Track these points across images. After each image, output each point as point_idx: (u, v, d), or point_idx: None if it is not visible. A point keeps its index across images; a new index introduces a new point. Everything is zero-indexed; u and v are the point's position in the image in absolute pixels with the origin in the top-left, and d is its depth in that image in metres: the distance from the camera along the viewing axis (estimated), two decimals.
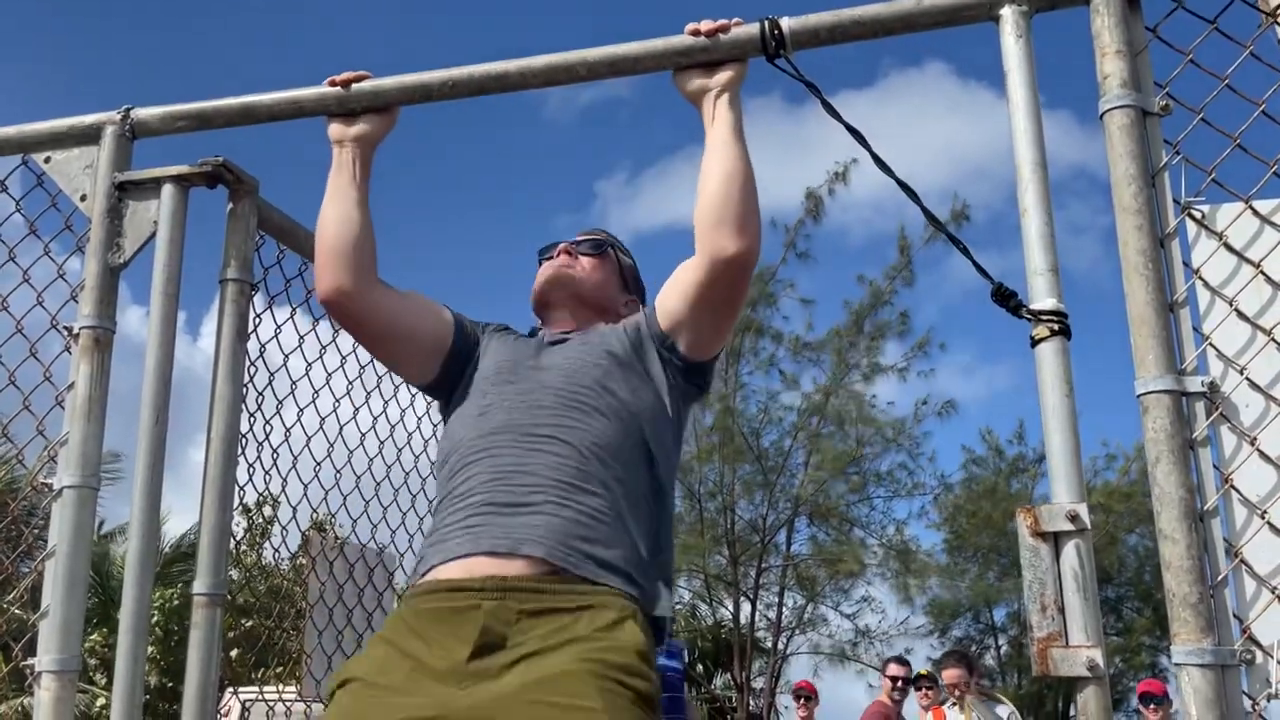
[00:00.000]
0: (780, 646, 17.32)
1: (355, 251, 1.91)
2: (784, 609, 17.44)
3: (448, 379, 1.94)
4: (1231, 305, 1.60)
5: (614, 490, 1.71)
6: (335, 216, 1.94)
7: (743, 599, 17.05)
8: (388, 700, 1.53)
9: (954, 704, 6.42)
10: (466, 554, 1.65)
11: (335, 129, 2.03)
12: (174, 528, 16.29)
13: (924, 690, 7.44)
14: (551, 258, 2.02)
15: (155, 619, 13.66)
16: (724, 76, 1.90)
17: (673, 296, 1.86)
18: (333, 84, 2.05)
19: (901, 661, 6.94)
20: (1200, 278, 1.62)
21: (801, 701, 7.61)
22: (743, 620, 16.98)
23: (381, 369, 2.84)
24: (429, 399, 2.02)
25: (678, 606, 17.54)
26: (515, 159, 30.41)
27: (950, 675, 6.41)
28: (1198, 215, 1.64)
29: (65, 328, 2.20)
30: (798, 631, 17.75)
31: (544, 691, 1.48)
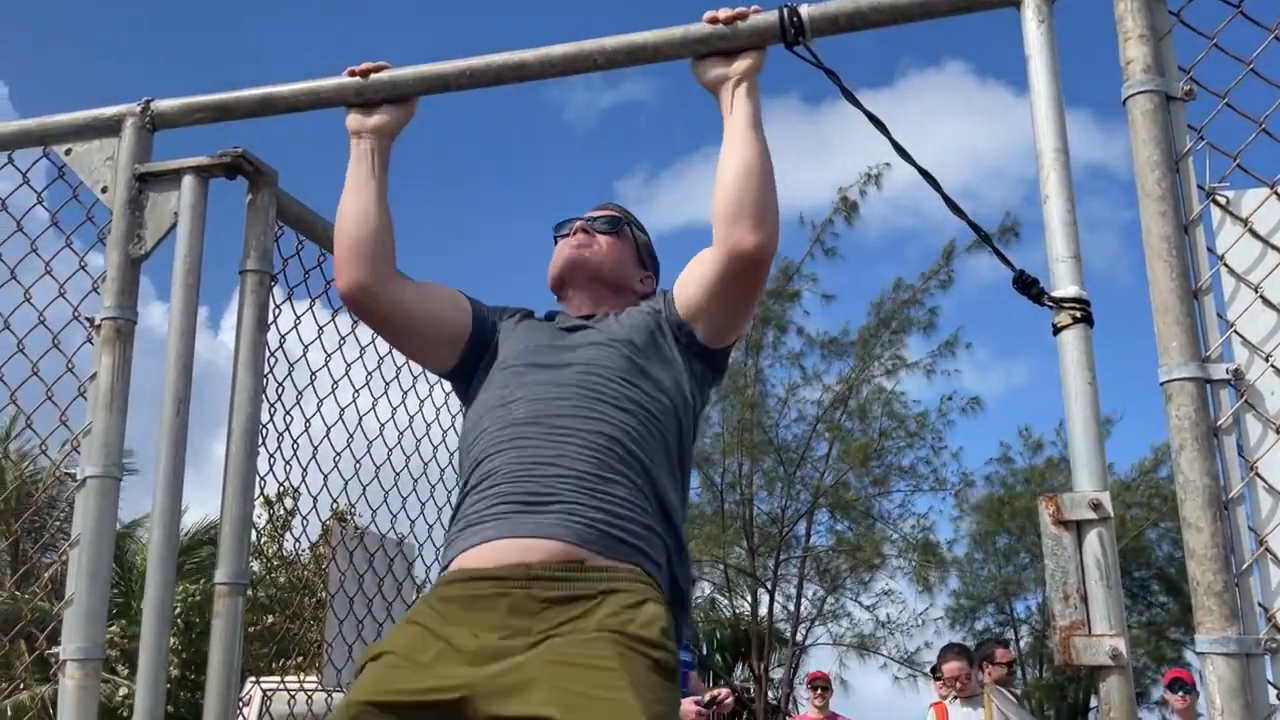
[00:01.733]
0: (799, 638, 17.31)
1: (374, 246, 1.93)
2: (803, 601, 17.43)
3: (466, 366, 1.96)
4: (1257, 291, 1.58)
5: (634, 480, 1.73)
6: (354, 211, 1.95)
7: (761, 591, 17.06)
8: (418, 673, 1.58)
9: (955, 697, 6.37)
10: (493, 538, 1.68)
11: (354, 120, 2.04)
12: (190, 520, 16.47)
13: (942, 681, 7.42)
14: (568, 235, 2.03)
15: (177, 610, 13.78)
16: (742, 65, 1.89)
17: (690, 287, 1.89)
18: (351, 74, 2.05)
19: (1004, 643, 6.74)
20: (1225, 264, 1.60)
21: (818, 691, 7.61)
22: (761, 612, 16.99)
23: (401, 359, 2.86)
24: (448, 385, 2.06)
25: (697, 599, 17.56)
26: (537, 160, 30.66)
27: (950, 668, 6.34)
28: (1222, 201, 1.62)
29: (87, 319, 2.21)
30: (817, 623, 17.74)
31: (563, 653, 1.54)
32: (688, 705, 4.84)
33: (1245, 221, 1.61)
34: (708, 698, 4.88)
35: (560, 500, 1.69)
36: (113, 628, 13.95)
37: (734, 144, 1.84)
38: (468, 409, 1.95)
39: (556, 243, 2.05)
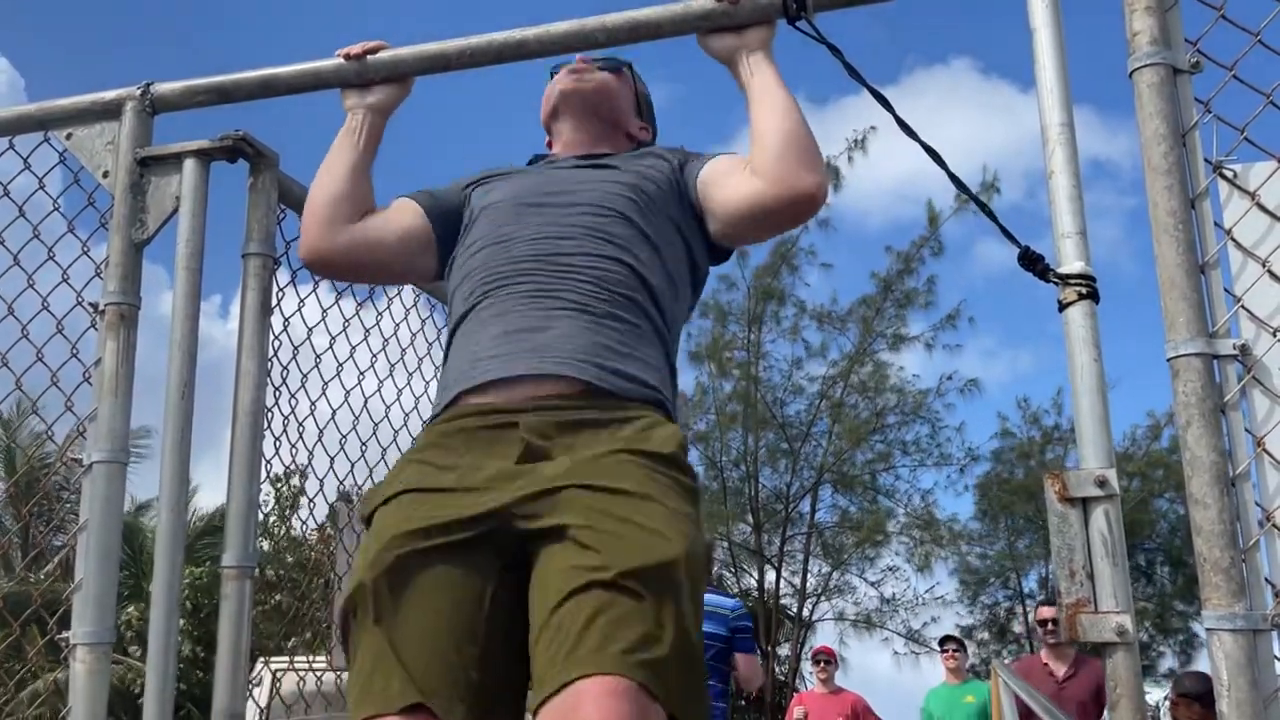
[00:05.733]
0: (805, 614, 17.38)
1: (334, 210, 1.89)
2: (809, 577, 17.49)
3: (447, 257, 1.91)
4: (1264, 266, 1.57)
5: (637, 316, 1.70)
6: (325, 177, 1.93)
7: (767, 567, 17.11)
8: (439, 500, 1.51)
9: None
10: (497, 378, 1.62)
11: (350, 99, 2.05)
12: (204, 503, 16.58)
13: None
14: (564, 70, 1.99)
15: (184, 594, 13.86)
16: (757, 35, 1.87)
17: (721, 193, 1.80)
18: (347, 59, 2.04)
19: (1050, 603, 6.52)
20: (1232, 238, 1.59)
21: (821, 665, 7.65)
22: (767, 588, 17.04)
23: (405, 340, 2.86)
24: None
25: None
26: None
27: None
28: (1229, 174, 1.61)
29: (91, 304, 2.21)
30: (823, 599, 17.80)
31: (587, 476, 1.48)
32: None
33: (1253, 195, 1.59)
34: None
35: (566, 336, 1.64)
36: (130, 610, 14.04)
37: (769, 98, 1.80)
38: (457, 256, 1.87)
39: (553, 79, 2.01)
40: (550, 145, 2.03)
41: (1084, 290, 1.59)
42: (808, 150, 1.74)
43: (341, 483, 2.80)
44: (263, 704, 3.01)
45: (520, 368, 1.61)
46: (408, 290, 2.88)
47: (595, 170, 1.85)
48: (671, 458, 1.56)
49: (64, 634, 2.06)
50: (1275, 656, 1.46)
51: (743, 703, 17.08)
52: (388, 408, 2.87)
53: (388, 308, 2.84)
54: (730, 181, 1.80)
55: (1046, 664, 5.93)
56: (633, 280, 1.72)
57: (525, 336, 1.64)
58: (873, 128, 16.07)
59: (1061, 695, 5.69)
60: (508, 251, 1.75)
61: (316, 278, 2.49)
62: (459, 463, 1.56)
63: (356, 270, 1.94)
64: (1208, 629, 1.46)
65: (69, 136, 2.28)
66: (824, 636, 17.47)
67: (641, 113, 2.06)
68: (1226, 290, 1.57)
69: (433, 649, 1.41)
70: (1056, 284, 1.62)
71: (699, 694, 1.38)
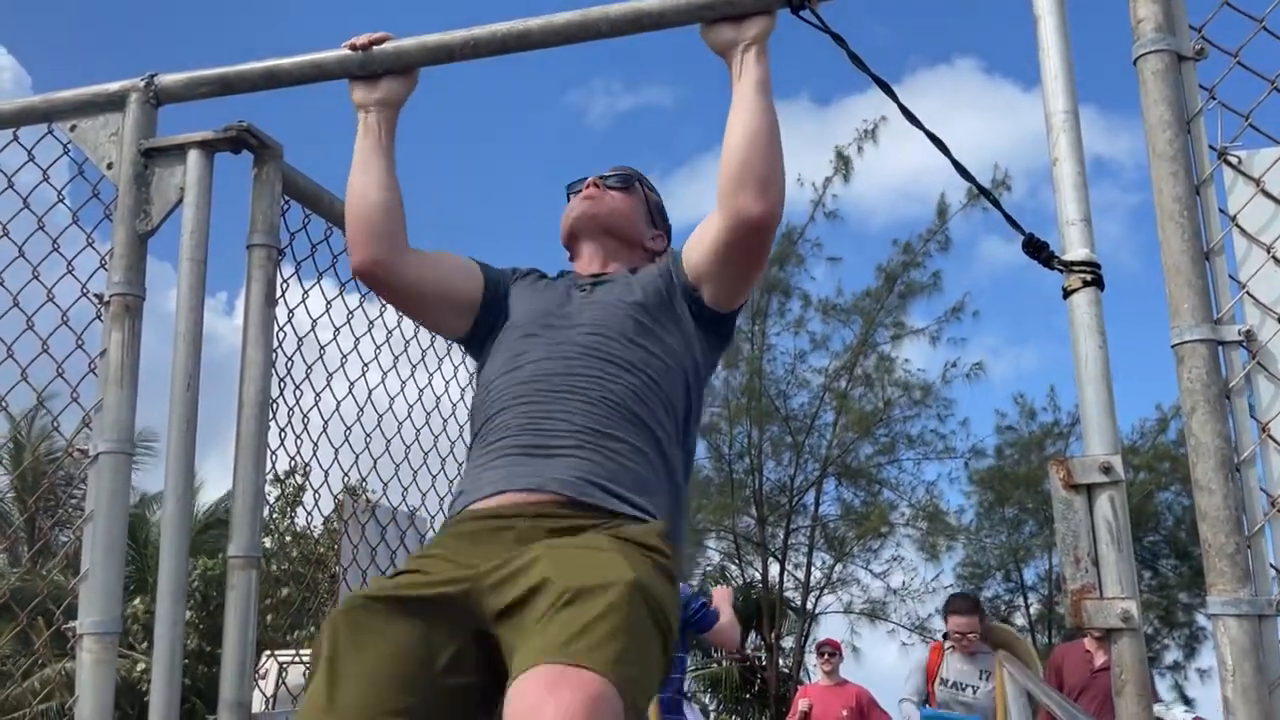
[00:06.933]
0: (809, 606, 17.39)
1: (385, 221, 1.94)
2: (813, 569, 17.50)
3: (479, 331, 2.01)
4: (1269, 252, 1.57)
5: (638, 437, 1.78)
6: (363, 186, 1.96)
7: (771, 559, 17.12)
8: (425, 581, 1.61)
9: (953, 648, 5.89)
10: (499, 491, 1.73)
11: (359, 94, 2.04)
12: (209, 496, 16.62)
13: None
14: (580, 192, 2.08)
15: (194, 584, 13.89)
16: (752, 29, 1.87)
17: (696, 250, 1.90)
18: (352, 48, 2.04)
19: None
20: (1237, 224, 1.59)
21: (825, 657, 7.66)
22: (771, 580, 17.06)
23: (409, 332, 2.86)
24: (458, 356, 2.11)
25: (707, 567, 17.65)
26: (557, 159, 31.21)
27: (956, 624, 5.75)
28: (1234, 161, 1.61)
29: (95, 295, 2.22)
30: (826, 591, 17.82)
31: (562, 545, 1.58)
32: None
33: (1257, 182, 1.59)
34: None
35: (564, 453, 1.73)
36: (135, 602, 14.08)
37: (741, 109, 1.81)
38: (480, 369, 2.00)
39: (570, 200, 2.11)
40: (571, 260, 2.12)
41: (1089, 277, 1.59)
42: (763, 175, 1.77)
43: (346, 475, 2.81)
44: (268, 694, 3.02)
45: (519, 483, 1.72)
46: None
47: (599, 290, 1.95)
48: (646, 544, 1.62)
49: (70, 624, 2.07)
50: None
51: (748, 696, 17.11)
52: (391, 400, 2.87)
53: None
54: (698, 236, 1.90)
55: (1089, 651, 5.81)
56: (633, 397, 1.80)
57: (525, 455, 1.75)
58: (883, 118, 16.06)
59: (1093, 682, 5.63)
60: (518, 374, 1.86)
61: (330, 272, 2.51)
62: (454, 558, 1.66)
63: (403, 290, 1.98)
64: (1213, 615, 1.46)
65: (73, 128, 2.29)
66: (828, 629, 17.50)
67: (655, 221, 2.14)
68: (1231, 276, 1.57)
69: (364, 687, 1.49)
70: (1061, 270, 1.62)
71: (635, 660, 1.40)
